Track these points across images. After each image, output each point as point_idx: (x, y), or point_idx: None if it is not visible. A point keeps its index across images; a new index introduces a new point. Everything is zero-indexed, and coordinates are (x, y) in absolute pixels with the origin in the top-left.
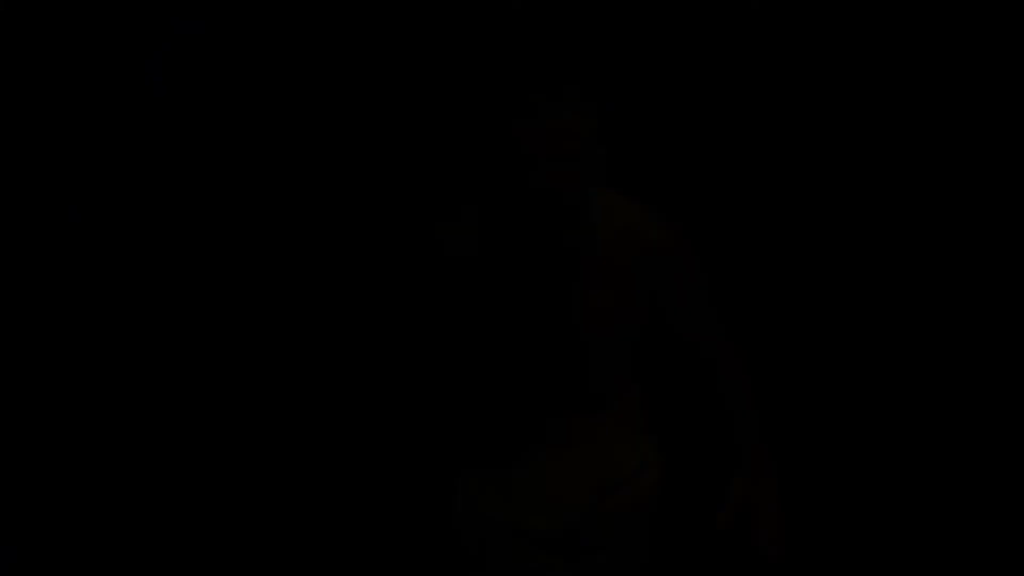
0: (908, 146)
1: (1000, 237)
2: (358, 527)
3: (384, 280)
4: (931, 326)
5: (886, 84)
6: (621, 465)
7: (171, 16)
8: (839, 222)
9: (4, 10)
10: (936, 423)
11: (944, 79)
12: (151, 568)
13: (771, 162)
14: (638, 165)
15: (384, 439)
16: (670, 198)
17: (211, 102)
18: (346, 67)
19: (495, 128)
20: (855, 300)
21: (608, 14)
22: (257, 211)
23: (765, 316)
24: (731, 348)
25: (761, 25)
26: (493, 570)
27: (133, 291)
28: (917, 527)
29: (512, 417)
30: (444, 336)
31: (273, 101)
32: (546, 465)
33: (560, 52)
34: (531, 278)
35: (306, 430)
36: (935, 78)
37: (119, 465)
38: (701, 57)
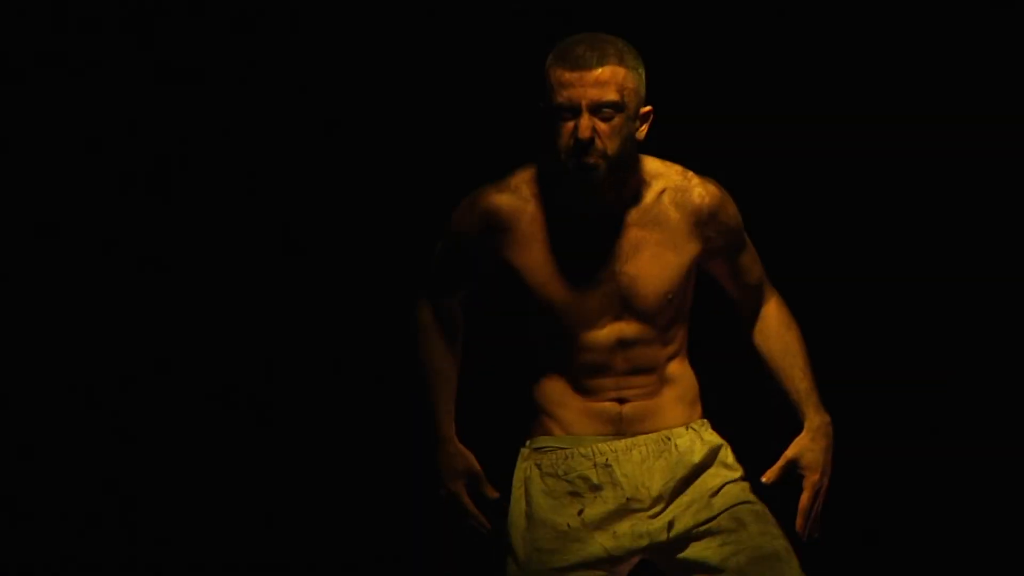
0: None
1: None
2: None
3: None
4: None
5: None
6: (687, 452)
7: None
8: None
9: None
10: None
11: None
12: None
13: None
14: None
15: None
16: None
17: None
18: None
19: (542, 78)
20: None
21: None
22: None
23: None
24: (780, 299)
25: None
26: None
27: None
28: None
29: (578, 373)
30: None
31: None
32: (609, 451)
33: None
34: (582, 229)
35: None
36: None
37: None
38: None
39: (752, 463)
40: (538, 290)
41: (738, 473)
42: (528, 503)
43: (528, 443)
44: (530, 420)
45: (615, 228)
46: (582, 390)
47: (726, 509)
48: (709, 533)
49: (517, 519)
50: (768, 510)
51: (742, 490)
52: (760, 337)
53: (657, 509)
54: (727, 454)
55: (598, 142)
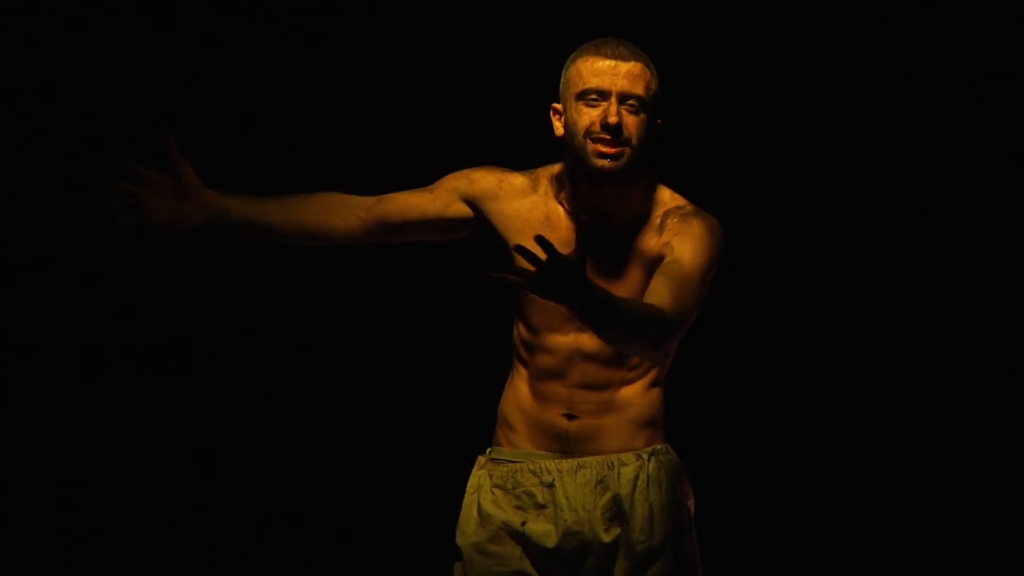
0: None
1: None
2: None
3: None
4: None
5: None
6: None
7: None
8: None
9: None
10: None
11: None
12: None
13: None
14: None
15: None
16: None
17: None
18: None
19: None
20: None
21: None
22: None
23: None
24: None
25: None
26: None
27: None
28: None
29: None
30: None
31: None
32: (555, 470)
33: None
34: (575, 232)
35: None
36: None
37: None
38: None
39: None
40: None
41: (685, 542)
42: (479, 509)
43: (488, 451)
44: (494, 427)
45: (602, 240)
46: (537, 396)
47: None
48: None
49: (465, 523)
50: None
51: (682, 570)
52: None
53: (591, 533)
54: (670, 490)
55: (624, 129)
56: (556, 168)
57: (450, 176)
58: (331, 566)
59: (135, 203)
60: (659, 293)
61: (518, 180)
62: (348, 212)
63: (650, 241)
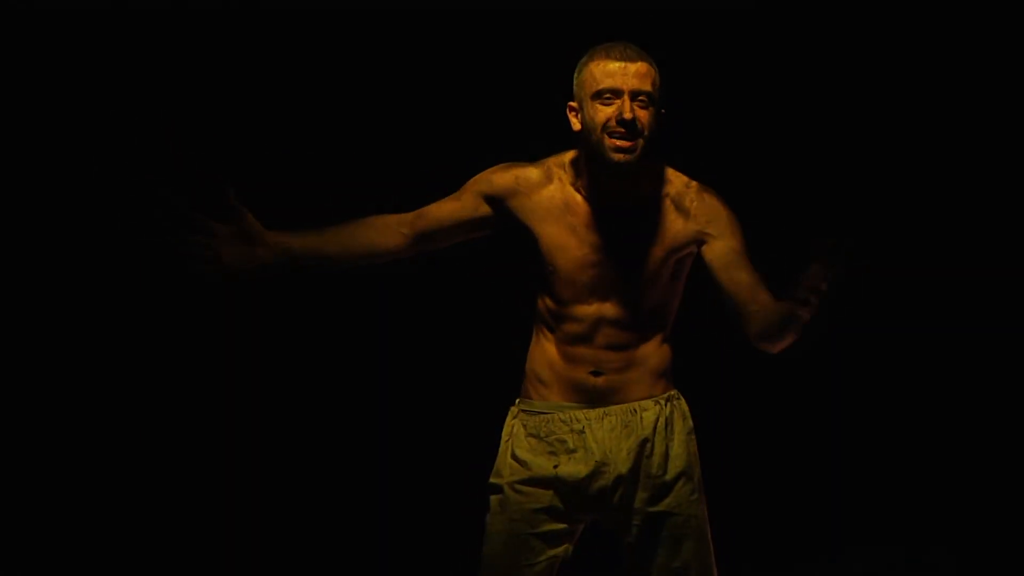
0: None
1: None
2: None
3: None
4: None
5: None
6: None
7: None
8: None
9: None
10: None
11: None
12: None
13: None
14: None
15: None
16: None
17: None
18: None
19: (576, 78)
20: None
21: None
22: None
23: None
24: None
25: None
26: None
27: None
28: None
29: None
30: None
31: None
32: (584, 418)
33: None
34: (592, 214)
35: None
36: None
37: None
38: None
39: (714, 429)
40: (547, 256)
41: (694, 477)
42: (513, 455)
43: (518, 402)
44: (522, 381)
45: (618, 220)
46: (565, 357)
47: (672, 513)
48: (649, 530)
49: (501, 467)
50: (707, 518)
51: (691, 501)
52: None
53: (616, 471)
54: (682, 431)
55: (637, 123)
56: (567, 157)
57: (471, 182)
58: (373, 501)
59: (210, 255)
60: (754, 286)
61: (532, 173)
62: (393, 232)
63: (675, 224)
